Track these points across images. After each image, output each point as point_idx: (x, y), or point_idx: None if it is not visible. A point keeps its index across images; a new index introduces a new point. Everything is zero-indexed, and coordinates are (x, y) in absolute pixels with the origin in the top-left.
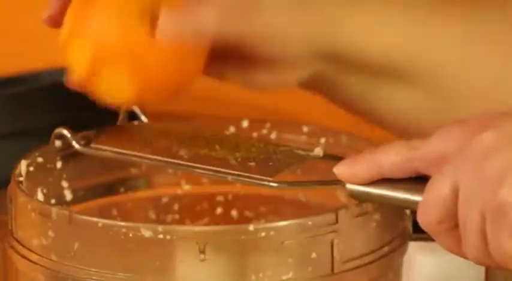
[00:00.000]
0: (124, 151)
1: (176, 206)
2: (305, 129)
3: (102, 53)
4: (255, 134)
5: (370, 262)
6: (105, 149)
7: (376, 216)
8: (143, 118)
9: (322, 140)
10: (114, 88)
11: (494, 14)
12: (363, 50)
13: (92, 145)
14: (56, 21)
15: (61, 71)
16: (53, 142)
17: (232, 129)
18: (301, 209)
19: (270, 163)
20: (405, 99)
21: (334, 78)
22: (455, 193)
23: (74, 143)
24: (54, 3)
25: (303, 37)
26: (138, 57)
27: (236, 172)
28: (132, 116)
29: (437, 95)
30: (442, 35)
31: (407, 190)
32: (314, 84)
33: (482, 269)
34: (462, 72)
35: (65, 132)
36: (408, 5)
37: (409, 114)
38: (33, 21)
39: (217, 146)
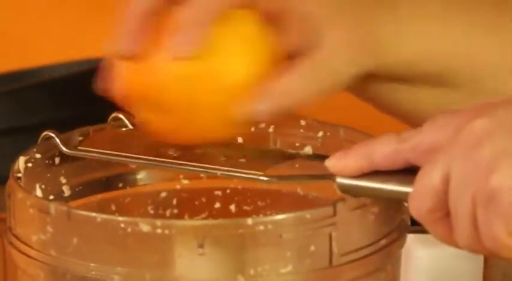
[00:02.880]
0: (113, 152)
1: (175, 201)
2: (302, 123)
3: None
4: (252, 129)
5: (369, 255)
6: (92, 150)
7: (374, 209)
8: (129, 125)
9: (320, 133)
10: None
11: None
12: (405, 61)
13: (80, 147)
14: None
15: (59, 68)
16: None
17: None
18: (300, 203)
19: (260, 160)
20: (444, 103)
21: (372, 88)
22: (446, 181)
23: (60, 146)
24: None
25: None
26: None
27: (226, 168)
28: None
29: (476, 96)
30: (481, 38)
31: (398, 182)
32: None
33: (481, 261)
34: (500, 73)
35: (52, 135)
36: (445, 11)
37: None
38: (30, 18)
39: (207, 147)
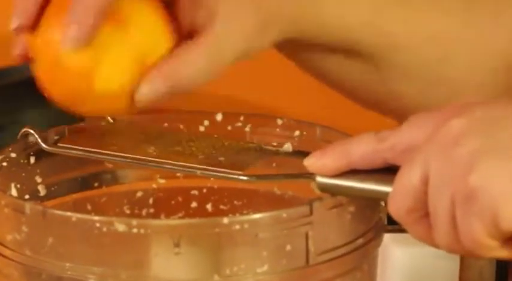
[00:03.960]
0: (92, 149)
1: (151, 201)
2: (279, 122)
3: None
4: (229, 128)
5: (345, 254)
6: (72, 147)
7: (351, 208)
8: (109, 119)
9: (297, 132)
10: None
11: None
12: (324, 30)
13: (60, 144)
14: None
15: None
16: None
17: (206, 123)
18: (276, 202)
19: (239, 158)
20: (357, 71)
21: (299, 56)
22: (424, 181)
23: (40, 142)
24: (25, 11)
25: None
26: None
27: (205, 167)
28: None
29: (392, 68)
30: (410, 14)
31: (377, 181)
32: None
33: (457, 260)
34: (423, 49)
35: (32, 131)
36: None
37: (358, 83)
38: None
39: (185, 143)
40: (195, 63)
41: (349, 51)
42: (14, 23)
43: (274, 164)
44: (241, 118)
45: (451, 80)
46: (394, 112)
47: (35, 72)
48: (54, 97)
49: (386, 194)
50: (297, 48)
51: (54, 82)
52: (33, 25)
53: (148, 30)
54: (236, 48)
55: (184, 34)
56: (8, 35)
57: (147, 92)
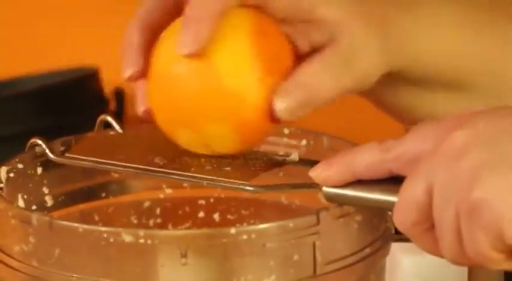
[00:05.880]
0: (99, 160)
1: (158, 211)
2: (286, 131)
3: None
4: None
5: (353, 264)
6: (80, 158)
7: (358, 217)
8: (118, 128)
9: (303, 141)
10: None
11: None
12: (427, 64)
13: (67, 154)
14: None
15: (43, 77)
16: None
17: None
18: (283, 212)
19: (246, 168)
20: (462, 107)
21: (388, 91)
22: (429, 194)
23: (48, 153)
24: (137, 58)
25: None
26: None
27: (212, 177)
28: (108, 124)
29: (494, 99)
30: (501, 41)
31: (382, 191)
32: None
33: (465, 269)
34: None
35: (40, 142)
36: (460, 14)
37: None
38: (14, 28)
39: (192, 152)
40: (332, 69)
41: (453, 84)
42: (126, 73)
43: (281, 174)
44: None
45: None
46: None
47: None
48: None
49: (392, 204)
50: (386, 84)
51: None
52: (144, 71)
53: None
54: (362, 66)
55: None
56: (7, 47)
57: (287, 104)
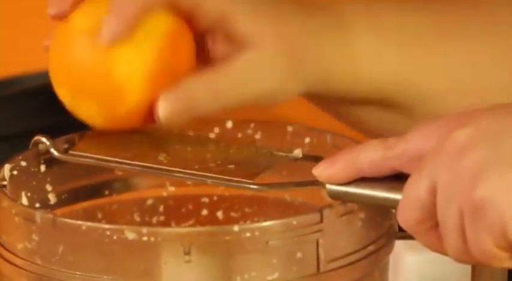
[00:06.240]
0: (103, 157)
1: (161, 208)
2: (289, 129)
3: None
4: (239, 135)
5: (356, 261)
6: (84, 155)
7: (361, 215)
8: None
9: (307, 139)
10: (87, 117)
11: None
12: (355, 83)
13: (71, 152)
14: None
15: (45, 75)
16: (31, 149)
17: (216, 130)
18: (287, 209)
19: (250, 165)
20: (389, 121)
21: (321, 103)
22: (432, 192)
23: (52, 150)
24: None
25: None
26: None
27: (215, 175)
28: None
29: (423, 116)
30: (435, 63)
31: (386, 189)
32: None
33: (469, 267)
34: (451, 97)
35: (44, 139)
36: (402, 30)
37: (388, 130)
38: (17, 26)
39: (196, 150)
40: (217, 84)
41: (380, 102)
42: (50, 11)
43: (284, 171)
44: (252, 125)
45: None
46: None
47: (51, 61)
48: (63, 93)
49: (396, 201)
50: (325, 101)
51: (68, 74)
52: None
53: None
54: (263, 83)
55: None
56: (10, 45)
57: (168, 108)
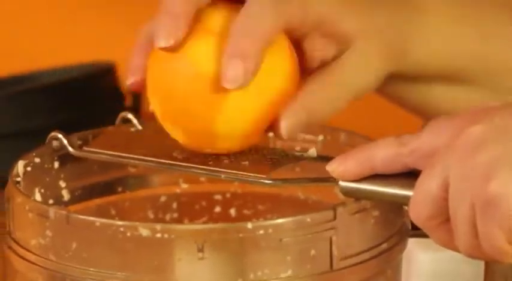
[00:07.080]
0: (118, 153)
1: (174, 205)
2: None
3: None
4: None
5: (369, 259)
6: (99, 152)
7: (375, 212)
8: (138, 125)
9: (320, 137)
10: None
11: None
12: (421, 61)
13: (86, 148)
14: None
15: (60, 72)
16: (45, 146)
17: None
18: (300, 207)
19: (264, 163)
20: (460, 99)
21: (392, 88)
22: (444, 188)
23: (68, 146)
24: (138, 69)
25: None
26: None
27: (229, 171)
28: (126, 120)
29: (494, 94)
30: (497, 38)
31: (399, 186)
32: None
33: (482, 265)
34: None
35: (60, 136)
36: (463, 12)
37: (454, 108)
38: (30, 22)
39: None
40: (331, 91)
41: (453, 79)
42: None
43: (297, 169)
44: None
45: None
46: None
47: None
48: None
49: (408, 198)
50: (398, 82)
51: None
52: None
53: (275, 68)
54: (367, 78)
55: (312, 70)
56: (23, 42)
57: (290, 125)
